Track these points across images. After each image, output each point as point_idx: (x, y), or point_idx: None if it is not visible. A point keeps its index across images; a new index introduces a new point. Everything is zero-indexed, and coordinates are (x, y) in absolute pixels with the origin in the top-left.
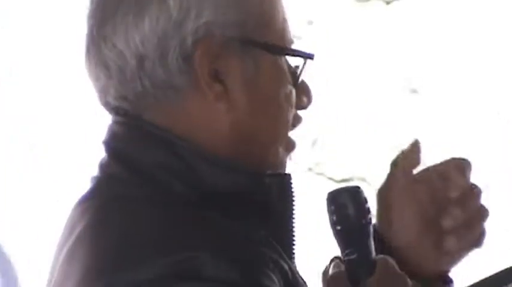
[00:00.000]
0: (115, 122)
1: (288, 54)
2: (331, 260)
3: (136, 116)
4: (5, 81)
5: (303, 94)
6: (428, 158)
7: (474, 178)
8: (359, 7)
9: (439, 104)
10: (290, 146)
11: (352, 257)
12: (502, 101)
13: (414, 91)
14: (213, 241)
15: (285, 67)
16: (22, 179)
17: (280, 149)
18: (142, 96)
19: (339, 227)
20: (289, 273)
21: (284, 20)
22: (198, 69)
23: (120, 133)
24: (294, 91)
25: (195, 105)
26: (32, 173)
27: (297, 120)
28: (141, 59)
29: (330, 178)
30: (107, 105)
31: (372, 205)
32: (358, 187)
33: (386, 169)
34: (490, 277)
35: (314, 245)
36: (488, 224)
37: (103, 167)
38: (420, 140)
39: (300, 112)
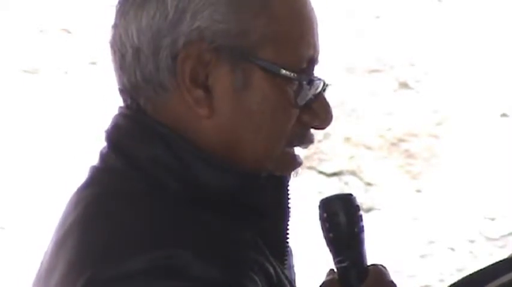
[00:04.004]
0: (119, 114)
1: (287, 77)
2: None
3: (140, 109)
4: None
5: (316, 116)
6: (427, 153)
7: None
8: None
9: (433, 98)
10: (289, 158)
11: (344, 264)
12: (507, 102)
13: (406, 86)
14: (198, 240)
15: (287, 88)
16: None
17: (276, 153)
18: (135, 88)
19: (331, 235)
20: (274, 276)
21: (302, 41)
22: (179, 72)
23: (122, 125)
24: (294, 111)
25: (179, 106)
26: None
27: (305, 139)
28: (137, 51)
29: (321, 172)
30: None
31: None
32: (350, 195)
33: (377, 163)
34: (482, 269)
35: (305, 240)
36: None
37: (102, 156)
38: (414, 133)
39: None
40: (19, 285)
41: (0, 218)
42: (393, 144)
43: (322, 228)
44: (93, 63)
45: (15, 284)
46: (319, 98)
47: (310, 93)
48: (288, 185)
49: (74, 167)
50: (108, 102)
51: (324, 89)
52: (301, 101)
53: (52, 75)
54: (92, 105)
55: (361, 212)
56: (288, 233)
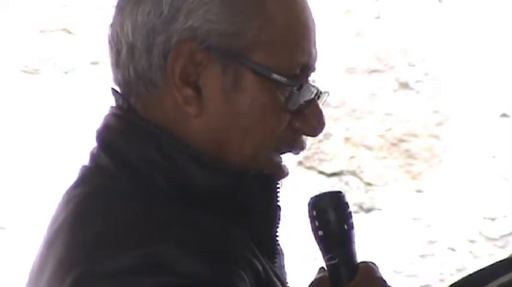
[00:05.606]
0: (110, 113)
1: (278, 82)
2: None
3: (131, 108)
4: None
5: (308, 122)
6: (427, 154)
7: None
8: None
9: (433, 98)
10: (275, 162)
11: (333, 262)
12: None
13: (406, 86)
14: (187, 237)
15: (277, 92)
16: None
17: (263, 157)
18: (128, 84)
19: (320, 233)
20: (262, 272)
21: (297, 47)
22: (169, 70)
23: (112, 125)
24: (285, 116)
25: (170, 104)
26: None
27: (296, 145)
28: (131, 47)
29: (321, 172)
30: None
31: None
32: (339, 192)
33: (377, 163)
34: (482, 269)
35: (304, 240)
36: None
37: (93, 156)
38: (414, 133)
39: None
40: (19, 285)
41: (0, 218)
42: (393, 144)
43: (311, 226)
44: (95, 63)
45: (15, 284)
46: (312, 105)
47: (302, 100)
48: (278, 185)
49: (74, 167)
50: (109, 102)
51: (317, 97)
52: (292, 106)
53: (52, 76)
54: (92, 105)
55: (351, 210)
56: (277, 232)
